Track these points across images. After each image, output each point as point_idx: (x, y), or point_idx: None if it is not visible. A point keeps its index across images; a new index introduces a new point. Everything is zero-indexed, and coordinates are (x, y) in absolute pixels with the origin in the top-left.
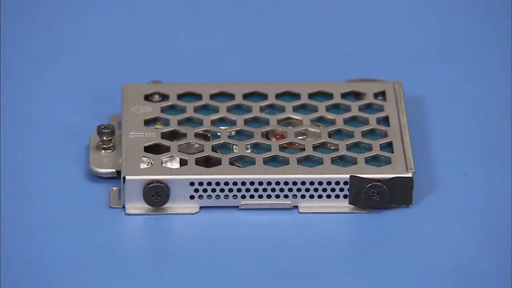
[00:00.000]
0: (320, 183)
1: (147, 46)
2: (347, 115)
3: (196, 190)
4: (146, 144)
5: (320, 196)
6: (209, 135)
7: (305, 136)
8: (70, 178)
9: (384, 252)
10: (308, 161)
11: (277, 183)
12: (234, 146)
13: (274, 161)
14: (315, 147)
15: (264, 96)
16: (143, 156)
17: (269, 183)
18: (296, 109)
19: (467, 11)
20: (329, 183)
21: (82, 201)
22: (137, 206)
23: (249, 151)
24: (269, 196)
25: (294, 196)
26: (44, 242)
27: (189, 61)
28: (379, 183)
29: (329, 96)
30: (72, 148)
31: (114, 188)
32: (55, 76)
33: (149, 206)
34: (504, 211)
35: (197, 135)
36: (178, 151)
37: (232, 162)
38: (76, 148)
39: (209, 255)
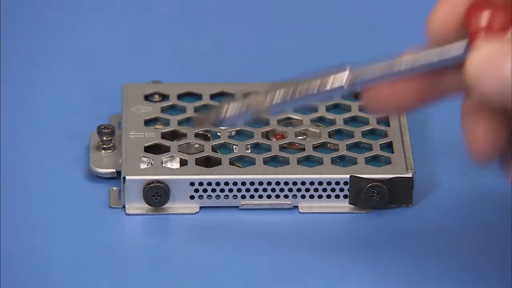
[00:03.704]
0: (320, 183)
1: (147, 46)
2: (347, 115)
3: (196, 190)
4: (146, 144)
5: (320, 196)
6: (209, 135)
7: (305, 136)
8: (70, 178)
9: (384, 252)
10: (308, 161)
11: (277, 183)
12: (234, 146)
13: (274, 161)
14: (315, 147)
15: None
16: (143, 156)
17: (269, 183)
18: (296, 109)
19: None
20: (329, 183)
21: (82, 201)
22: (137, 206)
23: (249, 151)
24: (269, 196)
25: (294, 196)
26: (44, 242)
27: (189, 61)
28: (379, 183)
29: None
30: (72, 148)
31: (114, 188)
32: (55, 76)
33: (149, 206)
34: (504, 211)
35: (197, 135)
36: (178, 151)
37: (232, 162)
38: (76, 148)
39: (209, 255)
